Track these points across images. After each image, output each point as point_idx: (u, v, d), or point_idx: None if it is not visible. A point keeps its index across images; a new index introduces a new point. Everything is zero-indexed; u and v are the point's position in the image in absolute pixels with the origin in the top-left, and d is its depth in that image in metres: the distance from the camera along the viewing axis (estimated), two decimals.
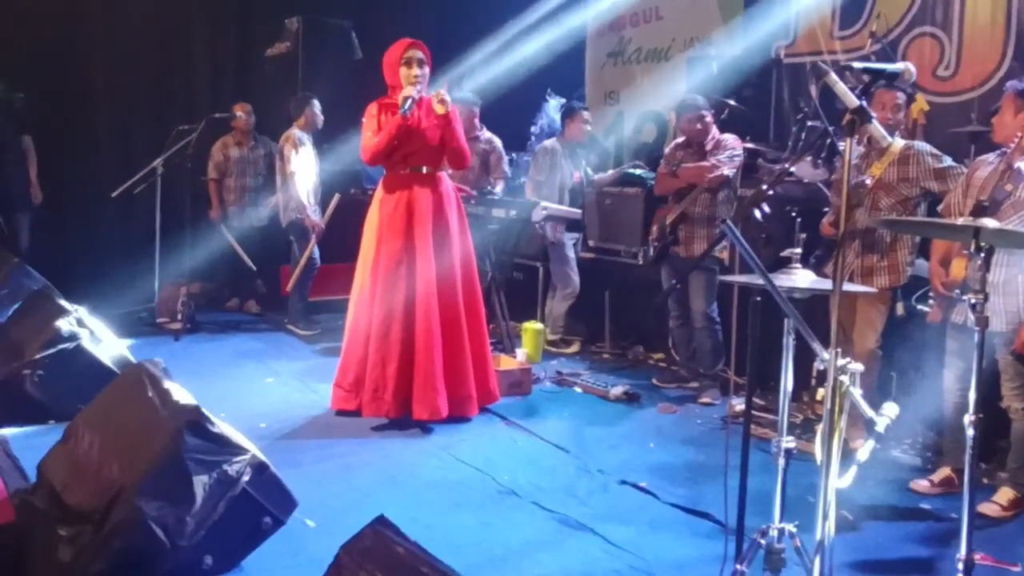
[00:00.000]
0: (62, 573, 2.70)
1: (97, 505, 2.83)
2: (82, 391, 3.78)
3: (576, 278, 6.60)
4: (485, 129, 6.76)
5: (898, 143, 4.28)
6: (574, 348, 6.65)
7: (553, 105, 7.47)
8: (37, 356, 4.34)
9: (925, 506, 3.85)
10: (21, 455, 3.79)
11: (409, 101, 4.54)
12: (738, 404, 4.67)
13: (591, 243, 6.83)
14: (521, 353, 5.93)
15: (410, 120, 4.64)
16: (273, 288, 7.74)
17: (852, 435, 3.70)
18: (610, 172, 6.86)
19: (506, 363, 5.60)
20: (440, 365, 4.61)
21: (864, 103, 2.26)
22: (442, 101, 4.63)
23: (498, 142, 6.82)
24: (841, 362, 2.03)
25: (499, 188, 6.49)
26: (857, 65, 2.38)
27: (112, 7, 7.84)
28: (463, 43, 7.71)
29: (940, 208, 4.07)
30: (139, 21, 8.02)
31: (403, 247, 4.66)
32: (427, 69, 4.69)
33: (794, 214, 4.87)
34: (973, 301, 2.17)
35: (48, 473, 3.24)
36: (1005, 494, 3.75)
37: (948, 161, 4.21)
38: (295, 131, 6.82)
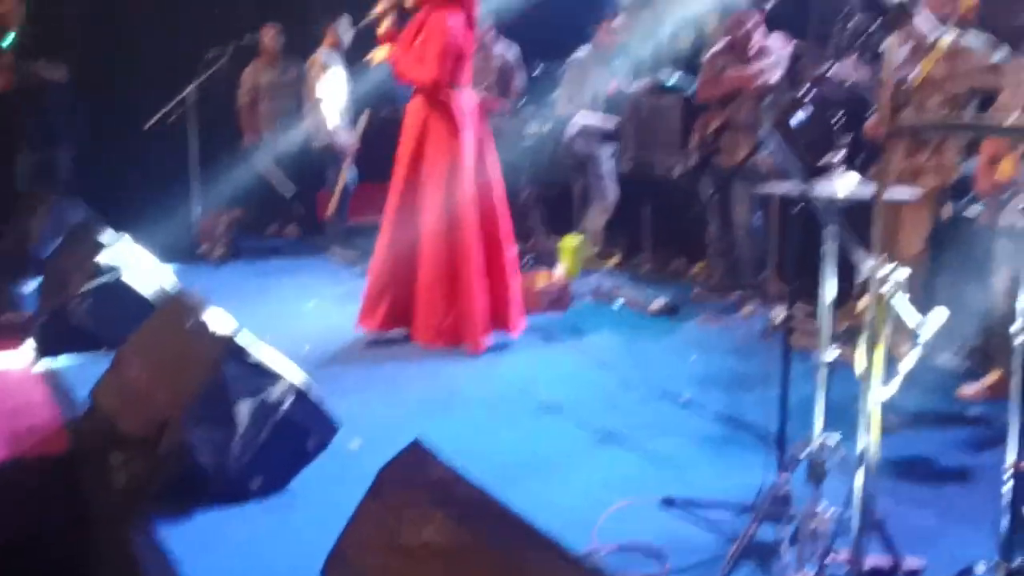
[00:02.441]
0: (116, 497, 2.80)
1: (148, 432, 2.91)
2: (129, 320, 3.83)
3: (613, 190, 6.50)
4: (502, 41, 6.60)
5: (947, 38, 4.08)
6: (613, 261, 6.61)
7: None
8: (83, 287, 4.41)
9: (973, 412, 3.81)
10: (74, 384, 3.90)
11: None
12: (780, 314, 4.61)
13: (629, 154, 6.69)
14: (560, 268, 5.90)
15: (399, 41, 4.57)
16: (312, 212, 7.76)
17: (898, 341, 3.63)
18: (646, 80, 6.67)
19: (545, 279, 5.58)
20: (437, 295, 4.55)
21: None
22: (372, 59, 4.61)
23: (513, 54, 6.66)
24: (884, 271, 1.97)
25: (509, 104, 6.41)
26: None
27: None
28: None
29: (994, 107, 3.90)
30: None
31: (403, 176, 4.61)
32: None
33: (837, 117, 4.71)
34: (1022, 205, 2.07)
35: (100, 400, 3.34)
36: None
37: (1003, 54, 3.99)
38: (322, 52, 6.73)
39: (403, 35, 4.59)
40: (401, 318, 4.69)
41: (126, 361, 3.37)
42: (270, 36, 7.34)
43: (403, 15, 4.64)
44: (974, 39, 4.12)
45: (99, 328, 4.33)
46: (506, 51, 6.68)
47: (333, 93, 6.72)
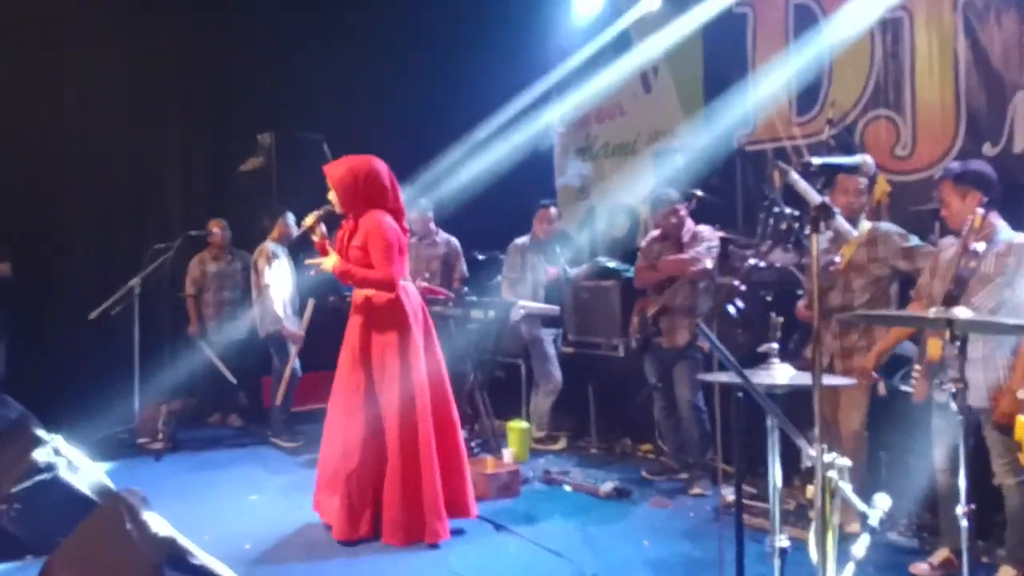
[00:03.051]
0: None
1: None
2: (60, 523, 3.69)
3: (558, 373, 6.59)
4: (441, 232, 6.94)
5: (864, 226, 4.38)
6: (561, 444, 6.60)
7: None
8: (14, 490, 4.24)
9: None
10: None
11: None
12: (729, 494, 4.62)
13: (571, 337, 6.83)
14: (508, 453, 5.86)
15: (336, 245, 4.72)
16: (255, 401, 7.66)
17: (846, 518, 3.65)
18: (585, 265, 6.93)
19: (494, 464, 5.53)
20: (399, 491, 4.47)
21: (826, 198, 2.32)
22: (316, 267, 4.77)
23: (455, 243, 6.98)
24: (828, 458, 2.03)
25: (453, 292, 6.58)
26: (816, 162, 2.44)
27: (86, 127, 7.92)
28: (434, 148, 7.87)
29: (912, 292, 4.13)
30: (114, 142, 8.07)
31: (358, 372, 4.60)
32: (332, 194, 4.67)
33: (768, 299, 4.92)
34: (953, 391, 2.18)
35: None
36: (1006, 572, 3.70)
37: (915, 240, 4.30)
38: (268, 244, 6.88)
39: (336, 240, 4.74)
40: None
41: (55, 570, 3.20)
42: (218, 230, 7.49)
43: (333, 221, 4.83)
44: (888, 225, 4.43)
45: (29, 532, 4.13)
46: (447, 240, 6.94)
47: (280, 282, 6.81)
